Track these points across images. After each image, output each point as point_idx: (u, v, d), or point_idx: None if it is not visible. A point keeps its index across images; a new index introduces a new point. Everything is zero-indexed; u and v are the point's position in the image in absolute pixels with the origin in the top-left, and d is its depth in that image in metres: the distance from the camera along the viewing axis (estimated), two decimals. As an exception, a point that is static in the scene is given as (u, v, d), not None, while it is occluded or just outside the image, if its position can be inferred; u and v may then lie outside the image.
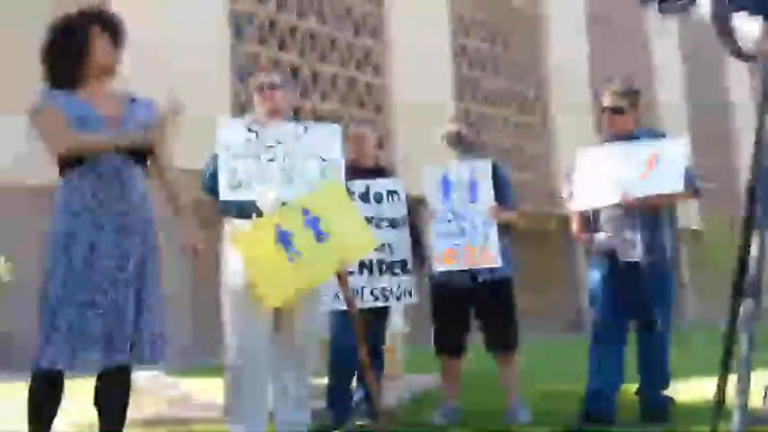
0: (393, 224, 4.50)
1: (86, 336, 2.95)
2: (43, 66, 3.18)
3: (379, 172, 4.73)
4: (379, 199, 4.49)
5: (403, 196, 4.57)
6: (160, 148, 3.21)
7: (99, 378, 3.14)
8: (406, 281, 4.50)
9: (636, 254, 4.32)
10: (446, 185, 4.65)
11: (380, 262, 4.42)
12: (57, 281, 2.98)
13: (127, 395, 3.18)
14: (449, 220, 4.60)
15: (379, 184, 4.53)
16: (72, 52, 3.14)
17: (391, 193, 4.53)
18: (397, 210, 4.52)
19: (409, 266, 4.52)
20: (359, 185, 4.43)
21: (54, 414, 3.06)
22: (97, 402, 3.14)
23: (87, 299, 2.97)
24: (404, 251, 4.51)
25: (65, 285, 2.98)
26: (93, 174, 3.06)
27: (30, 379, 3.03)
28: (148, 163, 3.23)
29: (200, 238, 3.26)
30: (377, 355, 4.64)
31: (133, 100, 3.27)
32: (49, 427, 3.05)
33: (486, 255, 4.50)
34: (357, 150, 4.64)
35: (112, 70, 3.21)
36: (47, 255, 3.04)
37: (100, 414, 3.14)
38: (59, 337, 2.94)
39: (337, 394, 4.58)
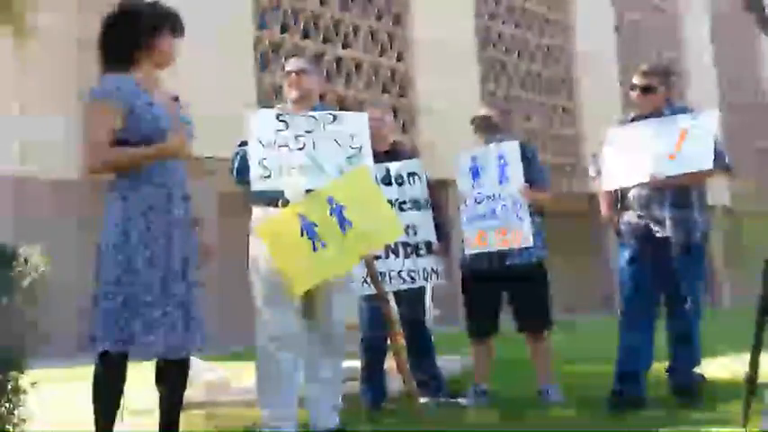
0: (416, 206, 4.49)
1: (145, 322, 3.02)
2: (100, 50, 3.16)
3: (396, 155, 4.71)
4: (400, 181, 4.49)
5: (424, 177, 4.55)
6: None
7: (158, 362, 3.21)
8: (431, 261, 4.49)
9: (665, 232, 4.29)
10: (475, 169, 4.65)
11: (405, 244, 4.42)
12: (110, 277, 3.02)
13: (186, 377, 3.26)
14: (479, 203, 4.61)
15: (399, 167, 4.52)
16: (133, 38, 3.13)
17: (412, 174, 4.51)
18: (420, 191, 4.52)
19: (434, 247, 4.51)
20: (379, 169, 4.40)
21: (119, 395, 3.11)
22: (159, 381, 3.22)
23: (143, 292, 3.02)
24: (428, 232, 4.50)
25: (118, 281, 3.02)
26: (146, 178, 3.08)
27: (96, 363, 3.08)
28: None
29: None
30: (421, 335, 4.75)
31: (175, 99, 3.29)
32: (116, 409, 3.11)
33: (518, 235, 4.48)
34: (373, 134, 4.61)
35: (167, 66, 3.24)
36: (99, 259, 3.07)
37: (161, 393, 3.22)
38: (118, 321, 3.00)
39: (370, 377, 4.64)
